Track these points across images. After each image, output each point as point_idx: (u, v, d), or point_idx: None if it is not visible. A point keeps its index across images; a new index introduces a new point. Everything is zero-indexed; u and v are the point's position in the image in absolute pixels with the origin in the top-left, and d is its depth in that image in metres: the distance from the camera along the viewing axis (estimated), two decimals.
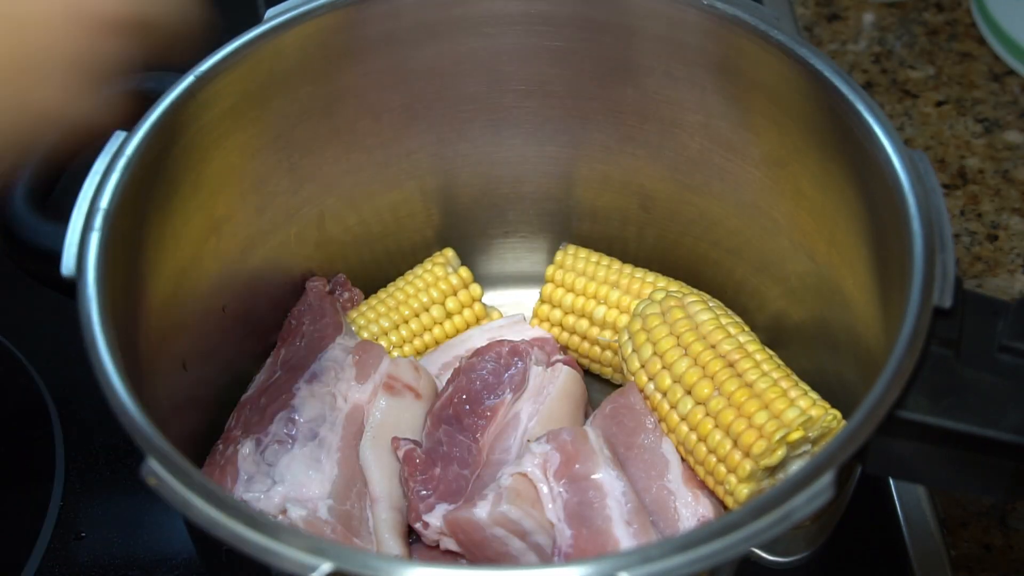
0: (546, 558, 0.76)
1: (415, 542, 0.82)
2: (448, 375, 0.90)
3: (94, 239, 0.72)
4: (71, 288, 0.71)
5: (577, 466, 0.79)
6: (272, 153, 0.88)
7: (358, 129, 0.91)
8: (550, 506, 0.78)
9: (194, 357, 0.84)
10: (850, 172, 0.78)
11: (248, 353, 0.92)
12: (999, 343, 0.66)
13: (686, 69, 0.86)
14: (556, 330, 0.95)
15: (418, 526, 0.81)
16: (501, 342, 0.89)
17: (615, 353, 0.92)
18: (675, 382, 0.83)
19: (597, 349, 0.94)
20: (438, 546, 0.81)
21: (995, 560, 0.91)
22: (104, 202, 0.73)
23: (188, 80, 0.79)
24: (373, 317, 0.95)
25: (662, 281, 0.93)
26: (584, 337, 0.94)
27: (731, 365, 0.82)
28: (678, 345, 0.84)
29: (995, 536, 0.92)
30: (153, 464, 0.62)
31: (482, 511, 0.76)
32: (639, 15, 0.85)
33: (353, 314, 0.96)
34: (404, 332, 0.95)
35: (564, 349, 0.95)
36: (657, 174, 0.91)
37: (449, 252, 0.99)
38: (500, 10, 0.88)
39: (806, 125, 0.81)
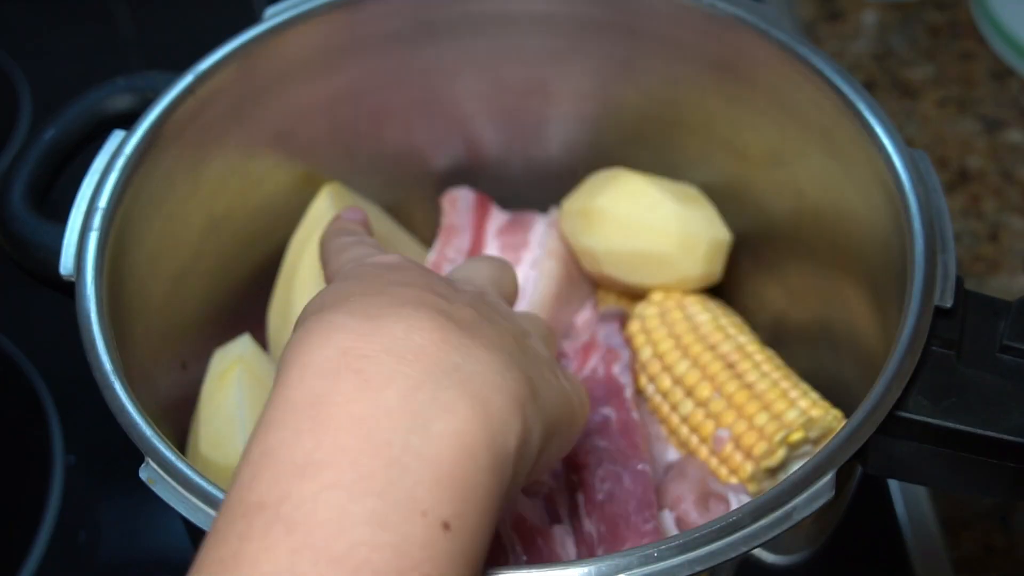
0: None
1: None
2: None
3: (92, 239, 0.72)
4: (70, 288, 0.71)
5: None
6: (272, 153, 0.87)
7: (358, 129, 0.91)
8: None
9: (194, 357, 0.84)
10: (850, 172, 0.78)
11: None
12: (1000, 343, 0.66)
13: (686, 69, 0.86)
14: None
15: None
16: None
17: None
18: (675, 383, 0.83)
19: None
20: None
21: (997, 561, 0.91)
22: (103, 201, 0.73)
23: (187, 79, 0.79)
24: None
25: None
26: None
27: (731, 366, 0.82)
28: (677, 346, 0.84)
29: (997, 537, 0.92)
30: (152, 465, 0.62)
31: None
32: (639, 15, 0.85)
33: None
34: None
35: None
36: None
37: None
38: (500, 10, 0.88)
39: (807, 125, 0.80)
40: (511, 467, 0.51)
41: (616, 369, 0.81)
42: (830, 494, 0.59)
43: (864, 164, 0.75)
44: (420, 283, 0.57)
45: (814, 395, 0.81)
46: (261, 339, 0.88)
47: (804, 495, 0.58)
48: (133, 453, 0.63)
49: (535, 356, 0.58)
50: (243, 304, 0.89)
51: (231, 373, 0.80)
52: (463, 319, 0.54)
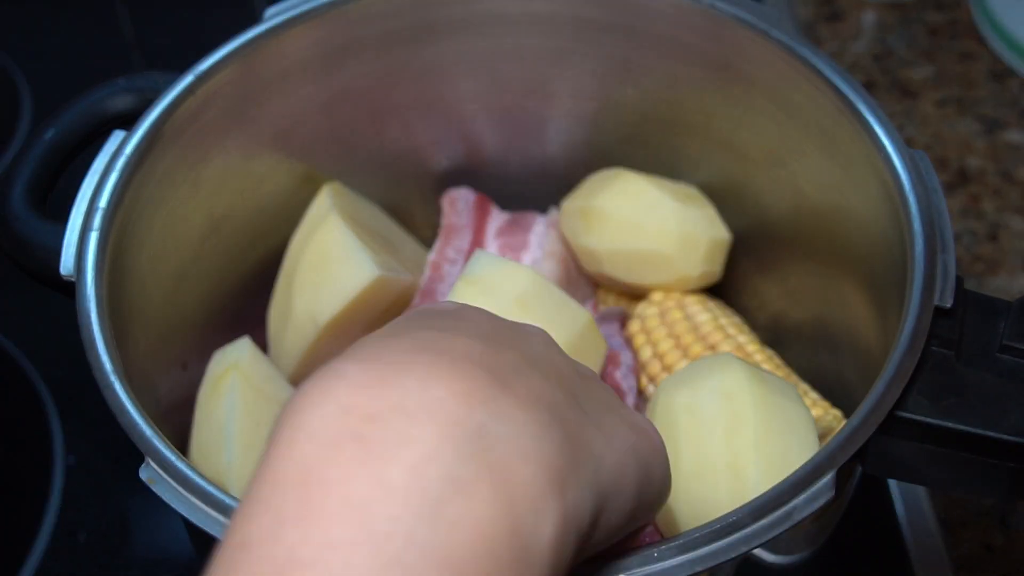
0: None
1: None
2: None
3: (93, 239, 0.72)
4: (71, 288, 0.71)
5: None
6: (272, 153, 0.87)
7: (357, 129, 0.91)
8: None
9: (194, 357, 0.84)
10: (850, 172, 0.77)
11: None
12: (1000, 343, 0.66)
13: (686, 69, 0.86)
14: None
15: None
16: None
17: None
18: None
19: None
20: None
21: (996, 560, 0.91)
22: (103, 202, 0.73)
23: (187, 79, 0.79)
24: None
25: None
26: None
27: None
28: (677, 346, 0.84)
29: (996, 536, 0.92)
30: (152, 465, 0.62)
31: None
32: (639, 15, 0.85)
33: None
34: None
35: None
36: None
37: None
38: (500, 10, 0.88)
39: (806, 124, 0.80)
40: (548, 557, 0.41)
41: (619, 374, 0.81)
42: (830, 494, 0.58)
43: (864, 164, 0.75)
44: (464, 328, 0.45)
45: (814, 395, 0.81)
46: (262, 339, 0.89)
47: (804, 495, 0.58)
48: (133, 453, 0.63)
49: (596, 403, 0.48)
50: (244, 304, 0.89)
51: (225, 380, 0.80)
52: (499, 365, 0.43)
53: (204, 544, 0.74)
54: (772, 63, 0.80)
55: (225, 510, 0.60)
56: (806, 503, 0.58)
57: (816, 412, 0.78)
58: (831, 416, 0.79)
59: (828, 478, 0.59)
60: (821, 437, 0.79)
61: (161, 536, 0.92)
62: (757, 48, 0.81)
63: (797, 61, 0.79)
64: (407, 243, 0.95)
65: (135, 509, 0.93)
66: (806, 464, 0.59)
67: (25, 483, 0.96)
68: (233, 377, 0.79)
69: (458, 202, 0.94)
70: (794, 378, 0.82)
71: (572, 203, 0.90)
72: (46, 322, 1.03)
